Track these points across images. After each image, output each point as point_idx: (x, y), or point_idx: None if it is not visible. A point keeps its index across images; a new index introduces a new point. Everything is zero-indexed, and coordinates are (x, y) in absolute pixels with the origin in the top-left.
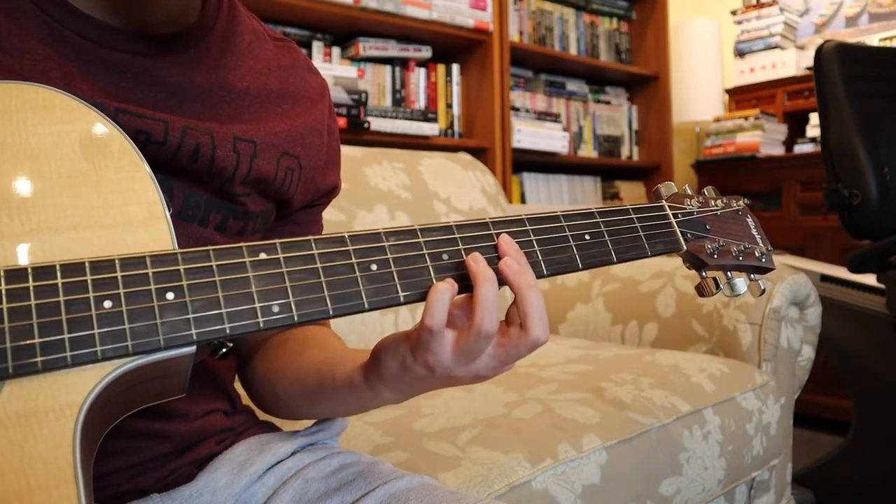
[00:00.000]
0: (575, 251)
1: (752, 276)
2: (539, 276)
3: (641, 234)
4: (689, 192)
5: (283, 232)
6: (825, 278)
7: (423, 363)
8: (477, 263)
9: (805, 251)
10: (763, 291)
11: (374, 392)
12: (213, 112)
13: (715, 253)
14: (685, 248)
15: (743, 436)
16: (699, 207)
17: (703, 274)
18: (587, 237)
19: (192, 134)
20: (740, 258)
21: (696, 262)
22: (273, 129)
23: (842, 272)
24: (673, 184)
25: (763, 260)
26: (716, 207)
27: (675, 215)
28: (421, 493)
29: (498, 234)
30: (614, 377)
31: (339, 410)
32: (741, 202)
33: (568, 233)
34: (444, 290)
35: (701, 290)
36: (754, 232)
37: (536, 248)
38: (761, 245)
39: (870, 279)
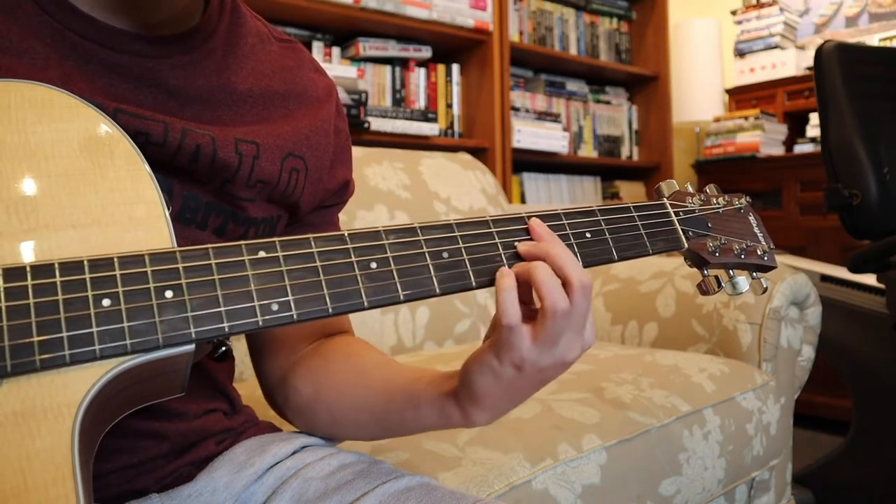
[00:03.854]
0: (575, 249)
1: (754, 274)
2: None
3: (643, 232)
4: (690, 189)
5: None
6: (825, 278)
7: (510, 363)
8: (528, 251)
9: (805, 251)
10: (765, 290)
11: (466, 416)
12: (214, 114)
13: (717, 251)
14: (687, 246)
15: (743, 436)
16: (701, 205)
17: (705, 272)
18: (588, 235)
19: (192, 135)
20: (742, 256)
21: (697, 260)
22: (277, 131)
23: (842, 272)
24: (674, 182)
25: (765, 258)
26: (718, 205)
27: (676, 213)
28: (421, 492)
29: (499, 233)
30: (614, 377)
31: (418, 431)
32: (743, 200)
33: (569, 231)
34: (511, 288)
35: (703, 289)
36: (756, 230)
37: None
38: (763, 243)
39: (870, 279)
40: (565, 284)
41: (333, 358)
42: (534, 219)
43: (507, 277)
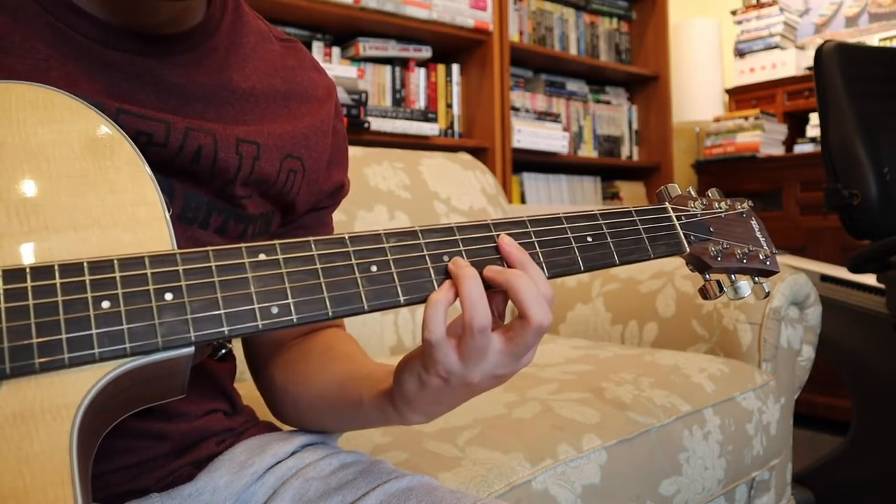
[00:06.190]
0: (577, 253)
1: (756, 278)
2: None
3: (644, 236)
4: (693, 194)
5: (290, 237)
6: (825, 278)
7: (436, 374)
8: (456, 266)
9: (805, 251)
10: (767, 294)
11: (402, 416)
12: (216, 113)
13: (718, 255)
14: (688, 250)
15: (743, 436)
16: (703, 209)
17: (707, 277)
18: (589, 239)
19: (194, 135)
20: (744, 261)
21: (699, 264)
22: (277, 131)
23: (842, 272)
24: (677, 185)
25: (767, 262)
26: (720, 209)
27: (678, 217)
28: (421, 492)
29: (499, 236)
30: (614, 377)
31: (367, 426)
32: (745, 204)
33: (570, 234)
34: (438, 302)
35: (704, 293)
36: (758, 234)
37: (538, 249)
38: (766, 247)
39: (870, 279)
40: (522, 317)
41: (310, 350)
42: (504, 238)
43: (439, 291)
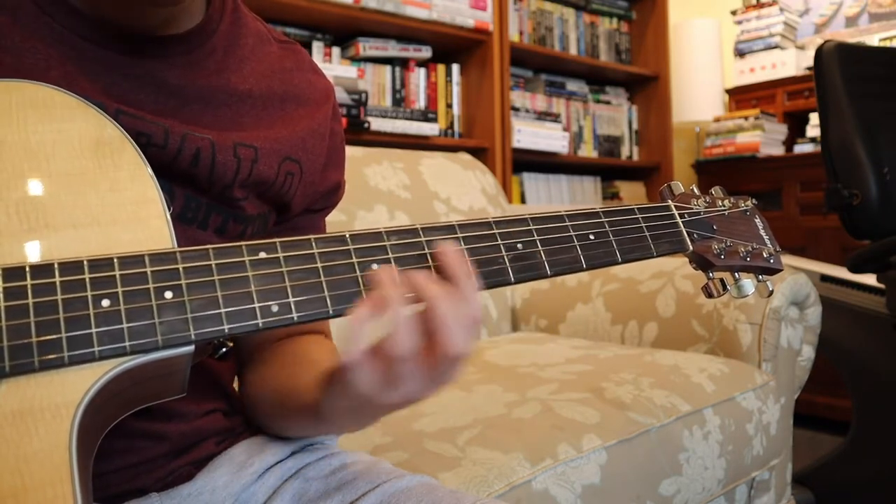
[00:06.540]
0: (579, 251)
1: (759, 277)
2: (542, 276)
3: (647, 234)
4: (696, 192)
5: (282, 236)
6: (825, 278)
7: (355, 395)
8: (382, 283)
9: (805, 251)
10: (771, 293)
11: (332, 424)
12: (214, 115)
13: (722, 253)
14: (691, 248)
15: (743, 436)
16: (706, 207)
17: (710, 275)
18: (591, 237)
19: (191, 139)
20: (748, 259)
21: (702, 262)
22: (275, 135)
23: (842, 272)
24: (680, 183)
25: (771, 261)
26: (723, 207)
27: (681, 215)
28: (421, 492)
29: (500, 234)
30: (614, 377)
31: (306, 435)
32: (749, 202)
33: (572, 233)
34: (358, 322)
35: (708, 292)
36: (762, 232)
37: (540, 247)
38: (769, 246)
39: (870, 279)
40: (439, 343)
41: (283, 354)
42: (442, 247)
43: (360, 307)
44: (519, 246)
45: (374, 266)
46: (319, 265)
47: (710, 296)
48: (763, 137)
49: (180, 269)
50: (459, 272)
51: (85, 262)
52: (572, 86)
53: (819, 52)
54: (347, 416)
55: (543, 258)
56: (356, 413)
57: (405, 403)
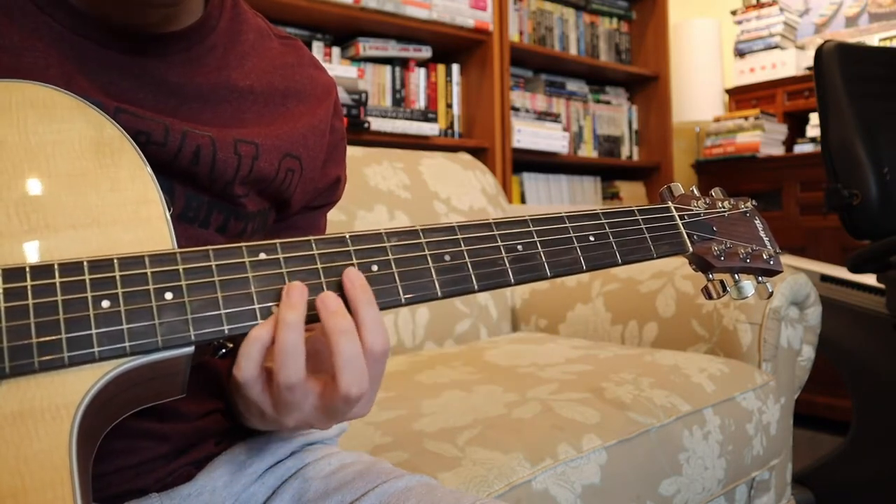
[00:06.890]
0: (579, 252)
1: (759, 278)
2: (543, 278)
3: (647, 235)
4: (696, 193)
5: (281, 235)
6: (825, 278)
7: (256, 409)
8: (282, 307)
9: (805, 251)
10: (771, 294)
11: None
12: (214, 112)
13: (722, 255)
14: (691, 249)
15: (743, 436)
16: (706, 209)
17: (710, 276)
18: (591, 238)
19: (192, 136)
20: (748, 260)
21: (702, 264)
22: (275, 131)
23: (842, 272)
24: (680, 185)
25: (771, 262)
26: (723, 209)
27: (681, 217)
28: (421, 492)
29: (500, 235)
30: (614, 377)
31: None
32: (749, 203)
33: (572, 234)
34: (254, 341)
35: (708, 293)
36: (762, 234)
37: (540, 249)
38: (769, 247)
39: (870, 279)
40: (333, 379)
41: None
42: (350, 273)
43: (262, 326)
44: (519, 247)
45: (375, 268)
46: (320, 266)
47: (709, 297)
48: (763, 137)
49: (180, 269)
50: (360, 301)
51: (85, 263)
52: (572, 86)
53: (819, 52)
54: (259, 424)
55: (543, 259)
56: (268, 424)
57: (305, 427)
